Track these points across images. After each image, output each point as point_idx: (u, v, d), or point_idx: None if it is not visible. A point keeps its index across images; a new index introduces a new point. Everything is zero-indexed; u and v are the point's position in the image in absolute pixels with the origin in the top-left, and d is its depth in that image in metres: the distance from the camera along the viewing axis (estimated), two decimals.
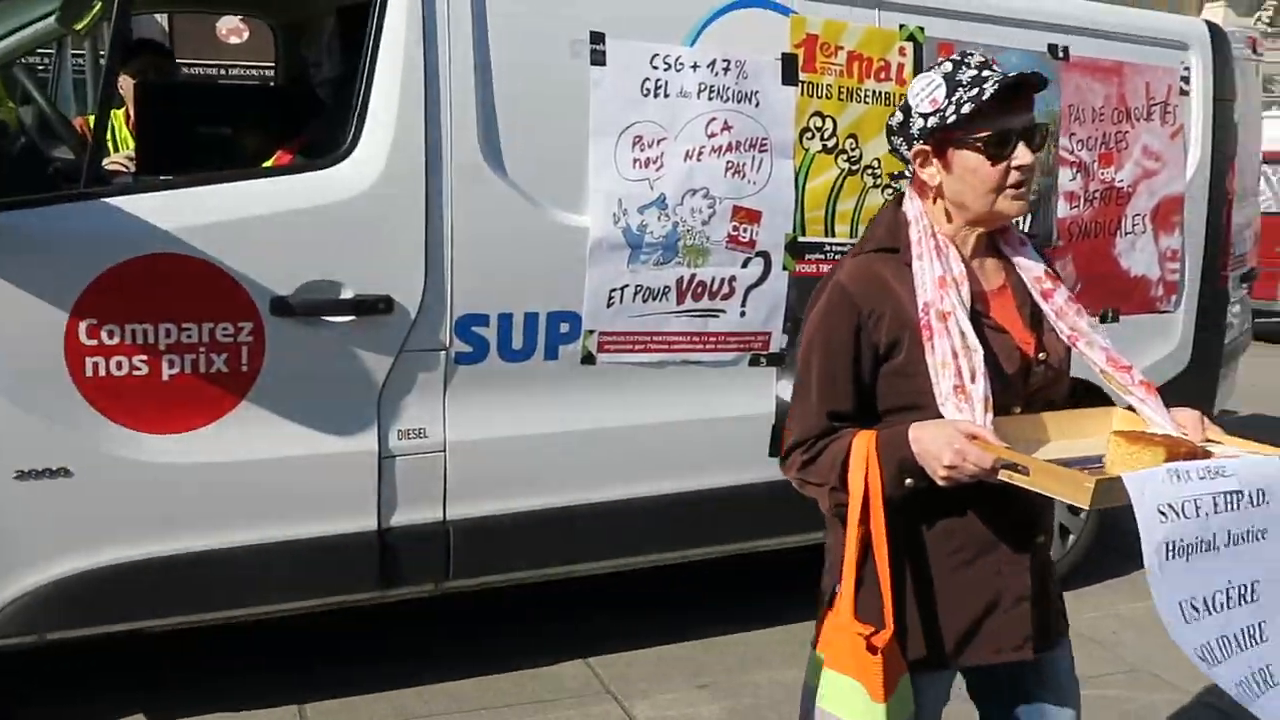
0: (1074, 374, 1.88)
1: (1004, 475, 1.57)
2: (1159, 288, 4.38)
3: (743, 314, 3.41)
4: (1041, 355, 1.79)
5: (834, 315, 1.75)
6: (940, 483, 1.62)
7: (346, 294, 2.88)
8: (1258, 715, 1.57)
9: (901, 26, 3.59)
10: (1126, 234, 4.24)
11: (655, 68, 3.17)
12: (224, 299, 2.77)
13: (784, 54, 3.38)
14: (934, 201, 1.79)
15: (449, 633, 3.72)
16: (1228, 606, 1.55)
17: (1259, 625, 1.58)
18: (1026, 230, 3.94)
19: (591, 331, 3.21)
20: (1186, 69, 4.32)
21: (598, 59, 3.11)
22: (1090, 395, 2.09)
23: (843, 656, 1.68)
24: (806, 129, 3.44)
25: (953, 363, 1.65)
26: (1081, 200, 4.10)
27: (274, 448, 2.87)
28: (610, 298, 3.20)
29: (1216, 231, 4.51)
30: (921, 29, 3.62)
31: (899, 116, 1.78)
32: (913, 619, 1.76)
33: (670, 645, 3.68)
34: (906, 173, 1.84)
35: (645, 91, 3.17)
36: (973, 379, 1.64)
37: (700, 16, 3.26)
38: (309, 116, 3.65)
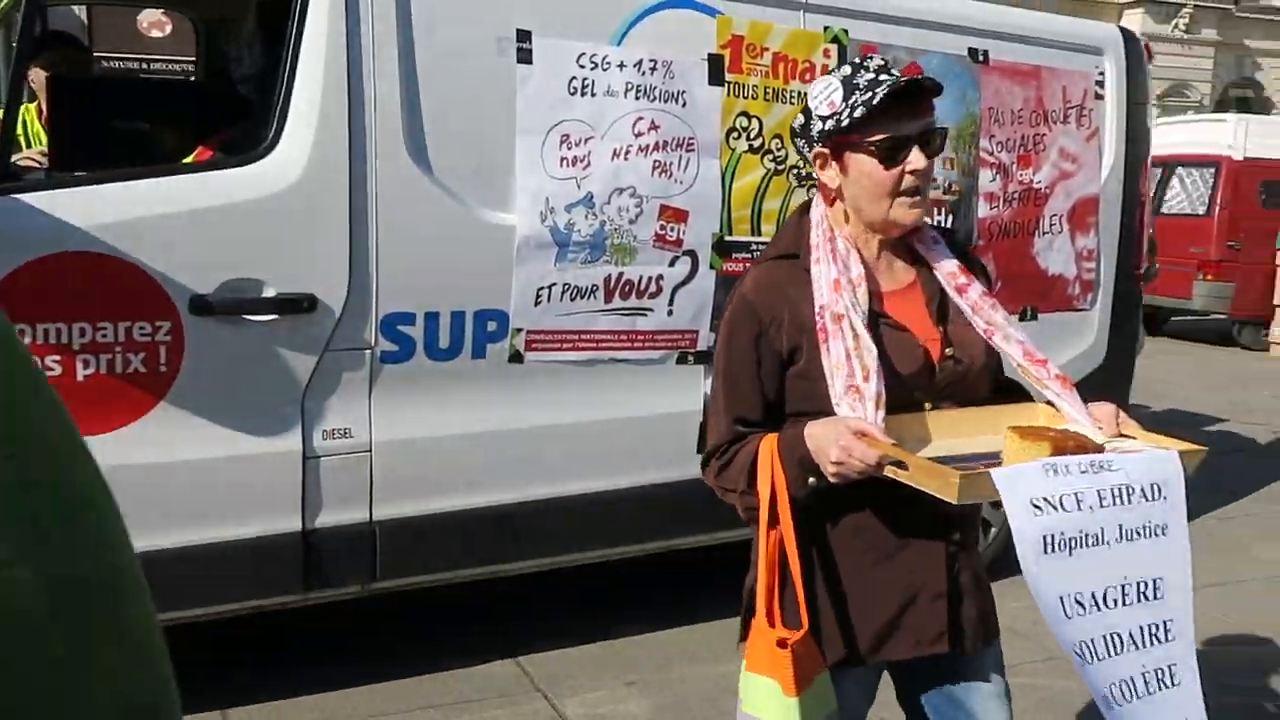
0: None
1: (889, 471, 1.58)
2: (1076, 286, 4.50)
3: (670, 312, 3.44)
4: (949, 351, 1.80)
5: (736, 325, 1.78)
6: (831, 479, 1.63)
7: (268, 292, 2.84)
8: None
9: (826, 28, 3.64)
10: (1044, 234, 4.35)
11: (582, 67, 3.18)
12: (141, 298, 2.71)
13: (710, 54, 3.41)
14: (834, 204, 1.81)
15: (374, 635, 3.69)
16: (1123, 603, 1.54)
17: (1164, 624, 1.57)
18: (949, 227, 4.03)
19: (519, 330, 3.21)
20: (1101, 74, 4.44)
21: (524, 57, 3.11)
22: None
23: (758, 656, 1.71)
24: (733, 129, 3.48)
25: (846, 364, 1.67)
26: (1001, 201, 4.19)
27: (195, 449, 2.82)
28: (538, 296, 3.20)
29: (1130, 231, 4.65)
30: (846, 31, 3.68)
31: (800, 119, 1.80)
32: (830, 617, 1.78)
33: (599, 643, 3.69)
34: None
35: (572, 90, 3.17)
36: (865, 378, 1.66)
37: (627, 16, 3.28)
38: (230, 112, 3.59)
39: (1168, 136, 13.07)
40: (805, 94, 1.78)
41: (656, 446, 3.47)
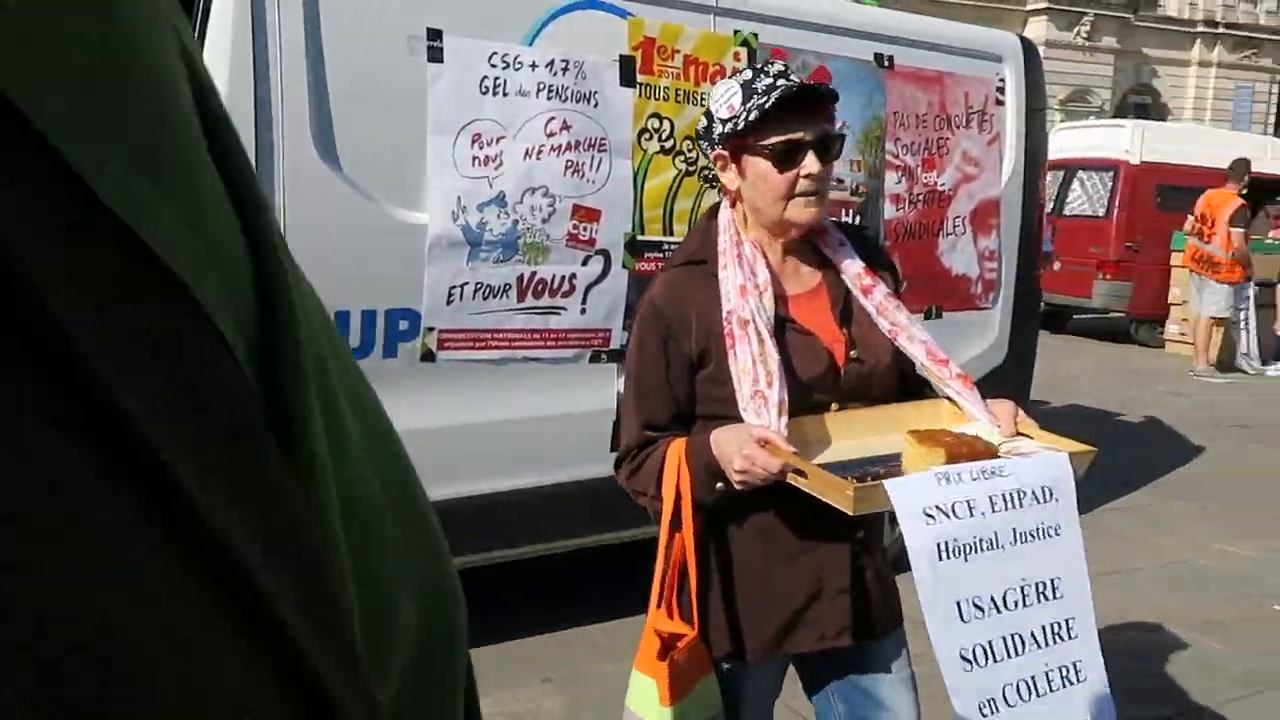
0: None
1: (790, 479, 1.62)
2: (978, 285, 4.65)
3: (583, 311, 3.46)
4: (853, 353, 1.84)
5: (645, 330, 1.81)
6: (737, 487, 1.67)
7: None
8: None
9: (736, 32, 3.71)
10: (948, 235, 4.49)
11: (494, 66, 3.18)
12: None
13: (622, 56, 3.45)
14: (735, 206, 1.85)
15: None
16: (1023, 604, 1.59)
17: (1065, 622, 1.63)
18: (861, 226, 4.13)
19: (431, 329, 3.20)
20: (1002, 80, 4.60)
21: (435, 56, 3.10)
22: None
23: (645, 657, 1.75)
24: (645, 130, 3.52)
25: (752, 369, 1.71)
26: (906, 202, 4.31)
27: None
28: (450, 295, 3.20)
29: (1030, 233, 4.82)
30: (755, 35, 3.75)
31: (703, 122, 1.84)
32: (733, 615, 1.82)
33: (513, 642, 3.70)
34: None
35: (484, 90, 3.18)
36: (769, 384, 1.69)
37: (539, 16, 3.29)
38: None
39: (1070, 141, 13.54)
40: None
41: (570, 445, 3.49)
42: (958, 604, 1.54)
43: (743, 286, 1.75)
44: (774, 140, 1.73)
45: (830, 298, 1.86)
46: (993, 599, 1.56)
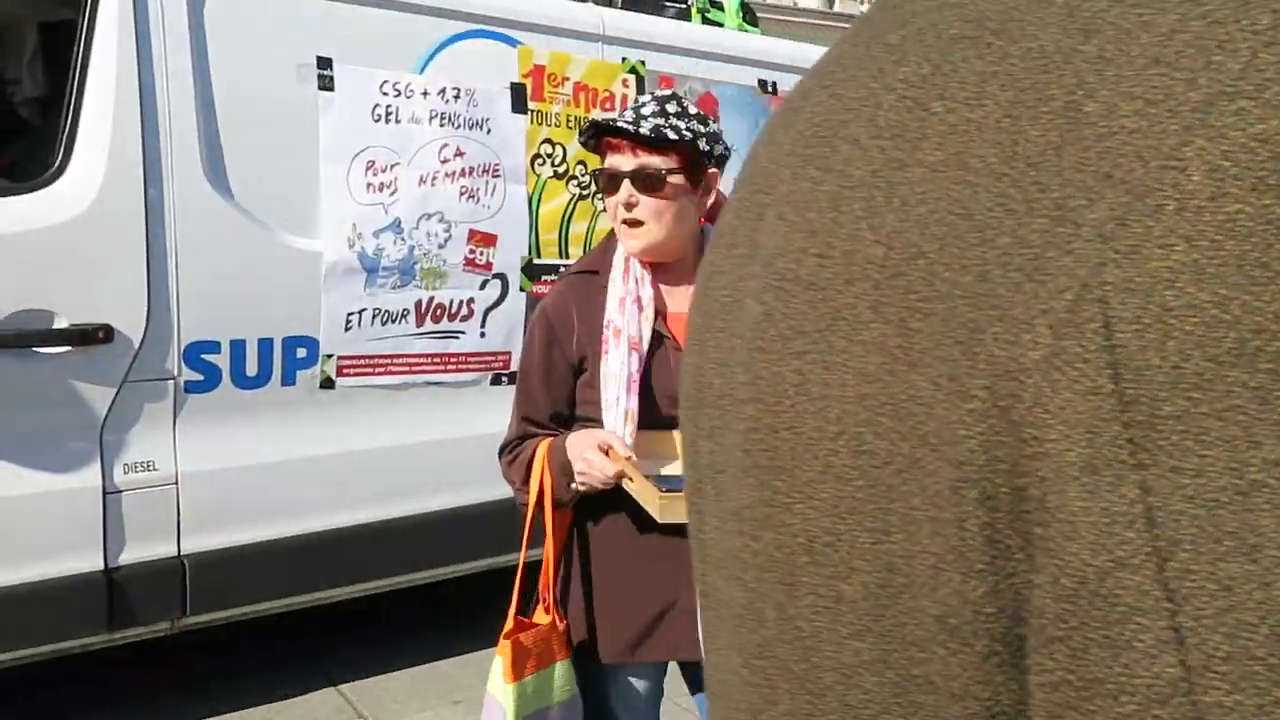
0: None
1: (625, 484, 1.75)
2: None
3: (483, 334, 3.50)
4: None
5: (533, 332, 1.94)
6: (579, 488, 1.79)
7: (60, 323, 2.74)
8: None
9: (624, 59, 3.81)
10: None
11: (385, 94, 3.22)
12: None
13: (513, 83, 3.51)
14: None
15: (188, 670, 3.57)
16: None
17: None
18: None
19: (330, 356, 3.20)
20: None
21: (325, 84, 3.12)
22: None
23: (501, 638, 1.85)
24: (538, 155, 3.58)
25: (616, 377, 1.82)
26: None
27: None
28: (348, 321, 3.20)
29: None
30: (643, 62, 3.86)
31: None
32: (592, 614, 1.90)
33: (422, 665, 3.69)
34: None
35: (376, 117, 3.21)
36: (625, 391, 1.80)
37: (429, 45, 3.34)
38: (10, 135, 3.43)
39: None
40: None
41: (473, 467, 3.51)
42: None
43: (622, 299, 1.86)
44: (601, 167, 1.88)
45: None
46: None
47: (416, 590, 3.66)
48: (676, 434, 1.84)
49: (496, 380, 3.57)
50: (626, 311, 1.84)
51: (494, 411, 3.55)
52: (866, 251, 0.34)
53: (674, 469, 1.82)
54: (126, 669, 3.52)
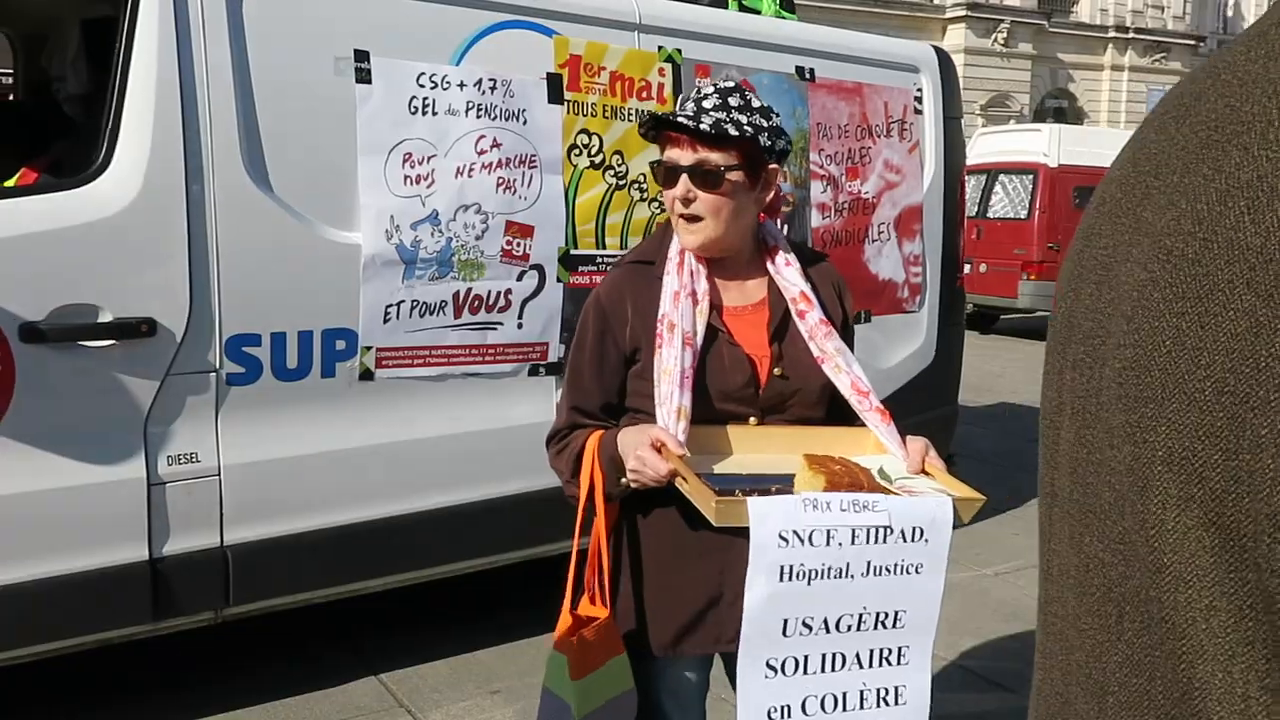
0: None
1: (677, 483, 1.69)
2: (905, 290, 4.78)
3: (520, 325, 3.51)
4: (778, 370, 1.88)
5: (586, 321, 1.91)
6: (631, 484, 1.75)
7: (105, 317, 2.78)
8: None
9: (660, 48, 3.79)
10: (873, 241, 4.61)
11: (422, 86, 3.22)
12: None
13: (549, 74, 3.51)
14: None
15: (230, 660, 3.62)
16: (857, 629, 1.63)
17: (898, 650, 1.67)
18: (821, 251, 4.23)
19: (369, 348, 3.22)
20: (919, 90, 4.74)
21: (363, 77, 3.13)
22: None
23: (560, 636, 1.83)
24: (574, 146, 3.58)
25: (671, 371, 1.78)
26: (832, 210, 4.43)
27: (31, 481, 2.73)
28: (386, 313, 3.22)
29: (952, 237, 4.97)
30: (680, 51, 3.84)
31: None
32: (640, 608, 1.89)
33: (461, 655, 3.72)
34: None
35: (413, 109, 3.21)
36: (680, 388, 1.77)
37: (465, 37, 3.34)
38: (55, 132, 3.48)
39: (991, 145, 13.90)
40: (647, 112, 1.90)
41: (511, 458, 3.53)
42: (785, 620, 1.58)
43: (676, 293, 1.84)
44: (660, 159, 1.86)
45: (770, 314, 1.92)
46: (825, 620, 1.60)
47: (453, 580, 3.68)
48: (730, 429, 1.83)
49: (534, 371, 3.58)
50: (681, 305, 1.82)
51: (531, 402, 3.57)
52: (1247, 240, 0.43)
53: (726, 467, 1.78)
54: (169, 657, 3.57)
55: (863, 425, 1.91)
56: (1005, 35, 32.11)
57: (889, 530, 1.61)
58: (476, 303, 3.40)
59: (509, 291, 3.46)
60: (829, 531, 1.57)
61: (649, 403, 1.82)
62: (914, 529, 1.62)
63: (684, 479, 1.66)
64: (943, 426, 4.88)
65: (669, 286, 1.85)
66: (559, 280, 3.56)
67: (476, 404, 3.46)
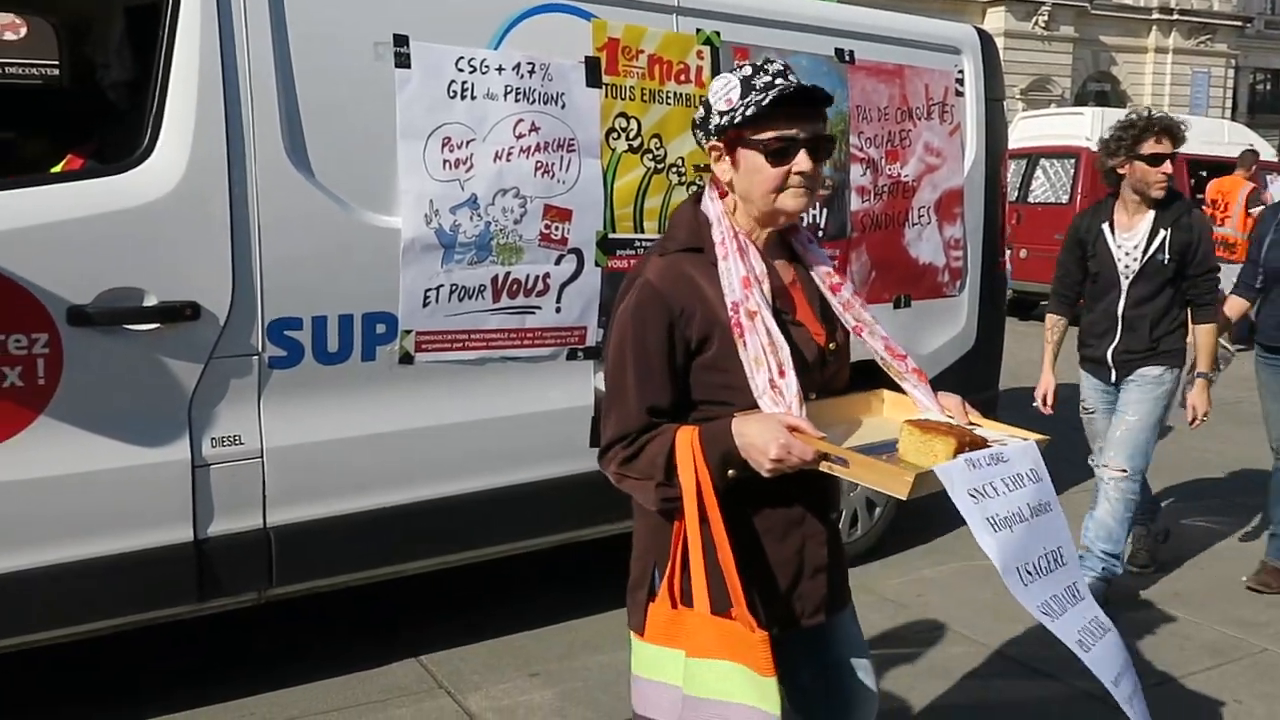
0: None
1: (824, 467, 1.69)
2: (945, 274, 4.73)
3: (558, 309, 3.50)
4: (832, 345, 1.92)
5: (647, 313, 1.80)
6: (765, 474, 1.71)
7: (150, 301, 2.81)
8: (1092, 666, 1.77)
9: (699, 31, 3.76)
10: (914, 224, 4.56)
11: (460, 70, 3.22)
12: (14, 310, 2.65)
13: (587, 57, 3.49)
14: (725, 196, 1.89)
15: (274, 641, 3.67)
16: (1049, 570, 1.75)
17: (1075, 585, 1.80)
18: (822, 225, 4.20)
19: (409, 331, 3.23)
20: (960, 72, 4.68)
21: (402, 61, 3.14)
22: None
23: (711, 644, 1.75)
24: (612, 129, 3.56)
25: (764, 360, 1.76)
26: (872, 194, 4.39)
27: (78, 462, 2.77)
28: (426, 297, 3.23)
29: (993, 221, 4.90)
30: (718, 33, 3.81)
31: (701, 112, 1.87)
32: (723, 595, 1.84)
33: (500, 638, 3.73)
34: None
35: (452, 94, 3.22)
36: (782, 374, 1.76)
37: (504, 20, 3.33)
38: (99, 119, 3.52)
39: (1032, 129, 13.69)
40: (686, 95, 1.86)
41: (549, 442, 3.53)
42: (1017, 570, 1.70)
43: (745, 278, 1.80)
44: (768, 136, 1.78)
45: (806, 292, 1.94)
46: (1033, 565, 1.74)
47: (489, 564, 3.69)
48: (832, 401, 1.90)
49: (572, 355, 3.58)
50: (753, 290, 1.79)
51: (569, 386, 3.57)
52: None
53: (858, 439, 1.83)
54: (215, 638, 3.62)
55: (877, 391, 2.01)
56: (1046, 18, 31.63)
57: (1022, 476, 1.75)
58: (515, 287, 3.40)
59: (547, 275, 3.46)
60: (991, 484, 1.70)
61: (725, 393, 1.80)
62: (1031, 470, 1.77)
63: (838, 460, 1.68)
64: (983, 413, 4.82)
65: (734, 272, 1.80)
66: (597, 264, 3.55)
67: (516, 388, 3.47)
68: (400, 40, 3.14)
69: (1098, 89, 33.97)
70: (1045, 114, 16.00)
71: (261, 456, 3.03)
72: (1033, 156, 13.04)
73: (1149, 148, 3.97)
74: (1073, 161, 12.73)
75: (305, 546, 3.13)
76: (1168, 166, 4.00)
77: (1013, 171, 12.29)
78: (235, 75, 2.89)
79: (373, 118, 3.12)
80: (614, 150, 3.57)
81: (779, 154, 1.78)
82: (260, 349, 2.99)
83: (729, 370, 1.79)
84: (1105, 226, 4.15)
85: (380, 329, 3.19)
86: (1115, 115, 14.82)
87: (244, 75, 2.91)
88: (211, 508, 2.97)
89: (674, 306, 1.79)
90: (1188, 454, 6.46)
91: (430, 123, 3.18)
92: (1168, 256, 4.00)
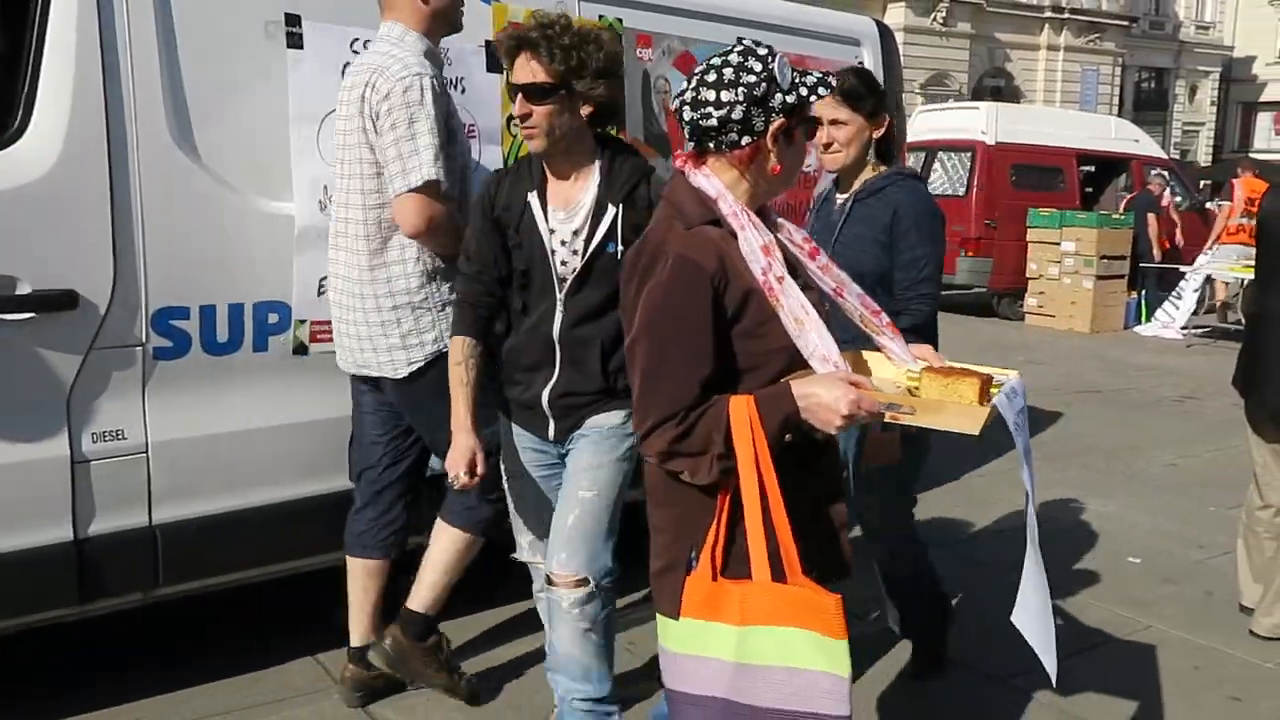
0: None
1: (889, 417, 1.76)
2: None
3: None
4: (826, 306, 2.00)
5: (686, 286, 1.78)
6: (833, 431, 1.76)
7: (23, 289, 2.67)
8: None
9: (601, 17, 3.73)
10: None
11: (356, 52, 3.13)
12: None
13: (487, 41, 3.43)
14: (742, 175, 1.87)
15: (164, 640, 3.53)
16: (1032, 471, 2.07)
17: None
18: None
19: (303, 321, 3.14)
20: (860, 63, 4.73)
21: (295, 42, 3.04)
22: None
23: (773, 612, 1.75)
24: (513, 115, 3.50)
25: (804, 319, 1.81)
26: None
27: None
28: (321, 286, 3.14)
29: None
30: (620, 20, 3.78)
31: (762, 88, 1.80)
32: (764, 559, 1.85)
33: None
34: (722, 145, 1.85)
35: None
36: (820, 335, 1.82)
37: None
38: None
39: (931, 123, 14.02)
40: (741, 69, 1.84)
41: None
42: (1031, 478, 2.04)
43: (765, 246, 1.84)
44: (812, 117, 1.93)
45: (789, 259, 1.96)
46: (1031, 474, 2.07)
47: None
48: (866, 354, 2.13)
49: None
50: (774, 259, 1.84)
51: None
52: None
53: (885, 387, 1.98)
54: (99, 641, 3.48)
55: (854, 349, 2.13)
56: (944, 14, 32.40)
57: (1024, 408, 2.02)
58: None
59: None
60: (1020, 414, 1.97)
61: (761, 359, 1.83)
62: (1021, 397, 2.04)
63: (904, 410, 1.77)
64: None
65: (754, 241, 1.83)
66: None
67: None
68: (292, 20, 3.04)
69: (993, 84, 34.95)
70: (943, 108, 16.39)
71: (146, 451, 2.91)
72: (931, 150, 13.35)
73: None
74: (969, 155, 13.07)
75: (193, 545, 3.02)
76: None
77: (911, 164, 12.56)
78: (115, 51, 2.76)
79: (263, 100, 3.01)
80: (515, 137, 3.52)
81: (813, 130, 1.95)
82: (144, 339, 2.87)
83: (764, 336, 1.82)
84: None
85: (273, 319, 3.09)
86: (1010, 110, 15.31)
87: (124, 51, 2.77)
88: (93, 505, 2.84)
89: (713, 277, 1.80)
90: (1082, 436, 6.69)
91: (324, 106, 3.09)
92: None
